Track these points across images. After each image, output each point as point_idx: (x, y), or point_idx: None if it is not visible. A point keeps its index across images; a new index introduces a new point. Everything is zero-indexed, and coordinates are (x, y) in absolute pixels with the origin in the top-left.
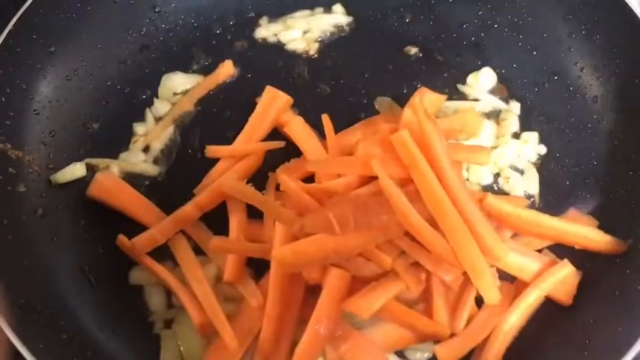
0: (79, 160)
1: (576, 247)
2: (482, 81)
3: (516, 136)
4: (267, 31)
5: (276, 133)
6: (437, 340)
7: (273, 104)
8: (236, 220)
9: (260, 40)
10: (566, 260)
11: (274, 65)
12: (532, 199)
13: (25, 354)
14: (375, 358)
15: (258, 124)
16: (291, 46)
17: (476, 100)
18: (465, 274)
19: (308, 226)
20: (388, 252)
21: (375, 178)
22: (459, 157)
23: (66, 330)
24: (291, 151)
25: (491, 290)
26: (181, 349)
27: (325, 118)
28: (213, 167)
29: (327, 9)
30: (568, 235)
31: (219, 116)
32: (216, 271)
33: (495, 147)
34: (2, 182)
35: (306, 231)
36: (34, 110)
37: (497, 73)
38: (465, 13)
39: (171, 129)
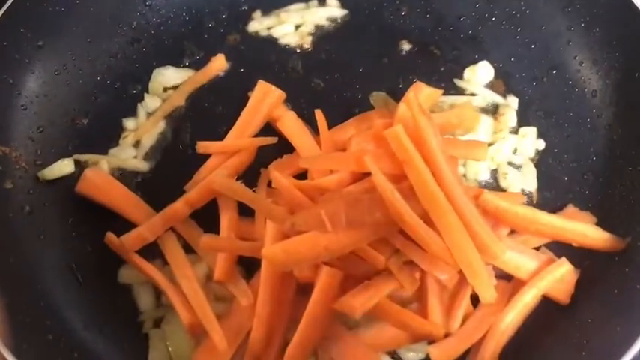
0: (68, 156)
1: (574, 244)
2: (479, 75)
3: (514, 131)
4: (260, 24)
5: (268, 129)
6: (431, 340)
7: (266, 99)
8: (227, 218)
9: (253, 34)
10: (563, 258)
11: (267, 59)
12: (530, 196)
13: (8, 355)
14: (368, 358)
15: (250, 119)
16: (284, 39)
17: (473, 94)
18: (460, 272)
19: (299, 223)
20: (382, 250)
21: (368, 174)
22: (456, 153)
23: (52, 330)
24: (284, 147)
25: (487, 289)
26: (170, 349)
27: (318, 114)
28: (204, 163)
29: (322, 2)
30: (566, 232)
31: (211, 111)
32: (207, 270)
33: (493, 142)
34: None
35: (297, 229)
36: (22, 105)
37: (494, 67)
38: (462, 5)
39: (161, 124)
